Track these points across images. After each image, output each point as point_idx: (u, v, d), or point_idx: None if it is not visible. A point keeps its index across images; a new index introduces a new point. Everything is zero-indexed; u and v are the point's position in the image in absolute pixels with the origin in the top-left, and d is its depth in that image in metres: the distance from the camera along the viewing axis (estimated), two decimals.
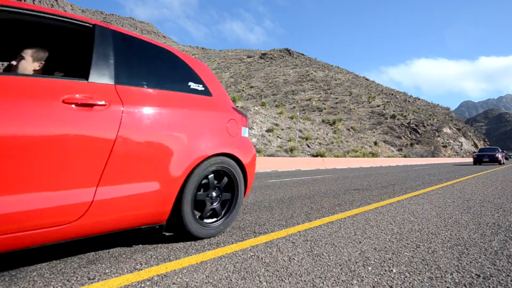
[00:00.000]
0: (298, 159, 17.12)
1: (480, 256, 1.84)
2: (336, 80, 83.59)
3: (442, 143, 51.50)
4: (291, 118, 31.00)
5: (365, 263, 1.71)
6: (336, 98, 67.80)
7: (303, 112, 53.94)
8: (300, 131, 26.17)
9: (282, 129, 24.89)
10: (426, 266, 1.66)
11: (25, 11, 1.57)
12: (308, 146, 23.59)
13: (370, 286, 1.42)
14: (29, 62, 1.88)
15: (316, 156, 21.12)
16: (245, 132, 2.58)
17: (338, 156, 22.14)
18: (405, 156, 33.83)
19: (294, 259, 1.78)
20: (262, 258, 1.79)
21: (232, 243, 2.09)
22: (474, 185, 6.27)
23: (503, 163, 18.37)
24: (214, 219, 2.25)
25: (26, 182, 1.37)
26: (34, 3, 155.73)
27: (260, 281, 1.47)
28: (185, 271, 1.60)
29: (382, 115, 58.73)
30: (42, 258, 1.80)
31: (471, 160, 45.49)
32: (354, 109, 61.95)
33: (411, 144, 47.99)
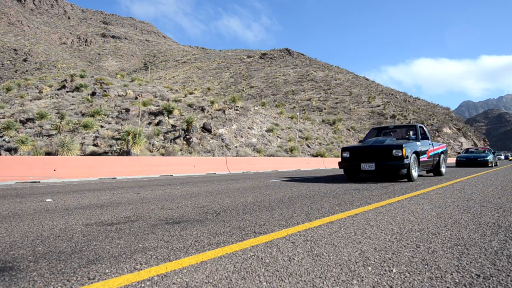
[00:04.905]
0: (298, 159, 17.12)
1: (480, 256, 1.83)
2: (336, 80, 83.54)
3: (442, 143, 51.47)
4: (291, 118, 30.98)
5: (365, 263, 1.71)
6: (336, 98, 67.78)
7: (303, 112, 53.92)
8: (300, 131, 26.16)
9: (282, 129, 24.87)
10: (426, 266, 1.66)
11: None
12: (308, 146, 23.57)
13: (370, 286, 1.42)
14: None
15: (316, 156, 21.11)
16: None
17: (338, 156, 22.13)
18: None
19: (294, 259, 1.78)
20: (262, 258, 1.79)
21: (232, 243, 2.09)
22: (474, 185, 6.26)
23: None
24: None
25: None
26: (34, 3, 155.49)
27: (260, 281, 1.47)
28: (185, 271, 1.60)
29: (382, 115, 58.71)
30: (42, 258, 1.80)
31: None
32: (354, 109, 61.94)
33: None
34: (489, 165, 16.50)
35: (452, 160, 32.46)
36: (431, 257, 1.81)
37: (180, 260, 1.74)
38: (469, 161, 17.37)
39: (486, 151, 18.57)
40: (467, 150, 20.36)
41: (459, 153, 53.96)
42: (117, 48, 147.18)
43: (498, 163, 21.09)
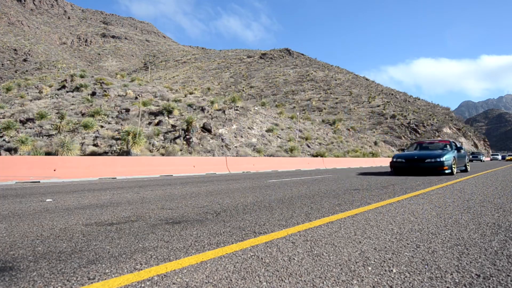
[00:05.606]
0: (298, 159, 17.12)
1: (480, 256, 1.83)
2: (336, 80, 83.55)
3: None
4: (291, 118, 30.97)
5: (365, 263, 1.71)
6: (336, 98, 67.79)
7: (303, 112, 53.91)
8: (300, 131, 26.16)
9: (282, 129, 24.87)
10: (426, 266, 1.66)
11: None
12: (308, 146, 23.57)
13: (370, 286, 1.42)
14: None
15: (316, 156, 21.11)
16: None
17: (338, 156, 22.12)
18: None
19: (294, 259, 1.78)
20: (262, 258, 1.79)
21: (232, 243, 2.09)
22: (474, 185, 6.26)
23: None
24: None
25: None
26: (34, 3, 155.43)
27: (260, 281, 1.47)
28: (185, 271, 1.60)
29: (382, 115, 58.74)
30: (42, 258, 1.79)
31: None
32: (354, 109, 61.95)
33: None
34: (446, 171, 9.12)
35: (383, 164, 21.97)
36: (431, 257, 1.81)
37: (180, 260, 1.74)
38: (410, 164, 9.76)
39: (447, 146, 10.93)
40: (419, 145, 12.36)
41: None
42: (117, 48, 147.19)
43: (469, 168, 12.29)
